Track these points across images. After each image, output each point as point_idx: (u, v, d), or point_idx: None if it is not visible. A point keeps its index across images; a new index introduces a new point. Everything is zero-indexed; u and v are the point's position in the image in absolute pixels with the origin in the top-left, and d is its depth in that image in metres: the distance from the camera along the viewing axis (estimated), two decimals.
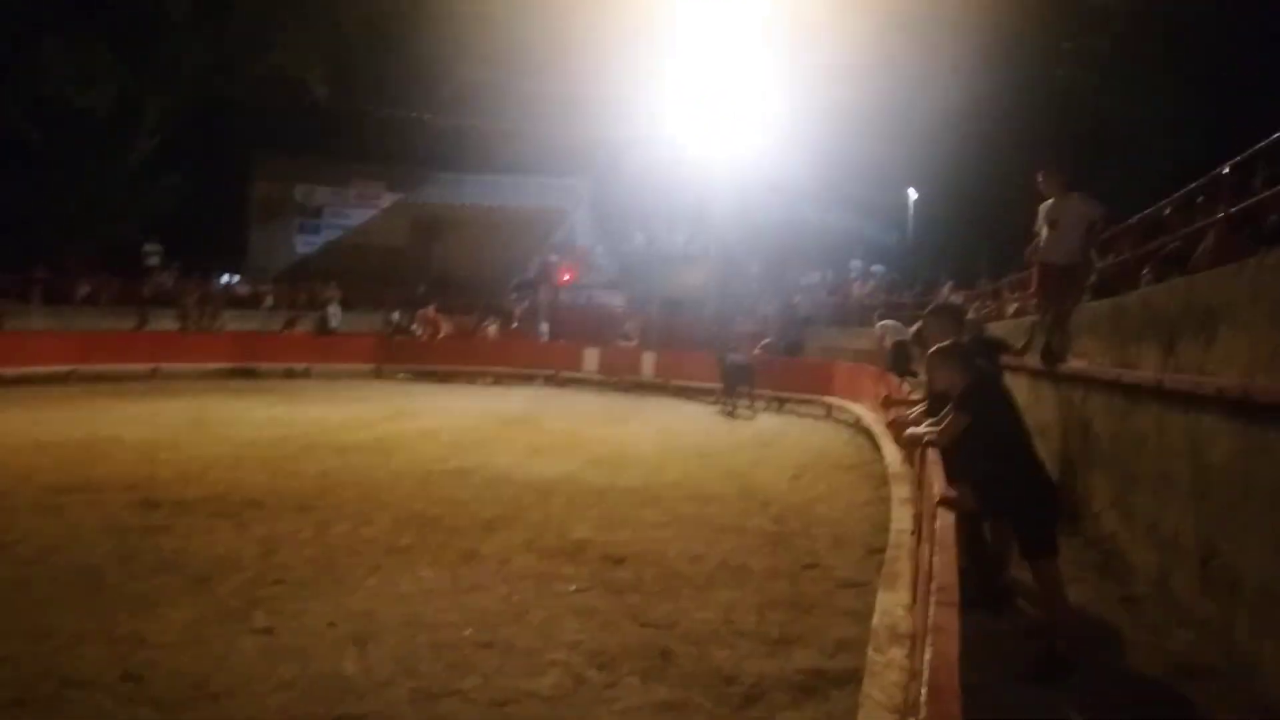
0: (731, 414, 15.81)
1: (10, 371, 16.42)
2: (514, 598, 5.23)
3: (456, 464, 9.64)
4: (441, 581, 5.49)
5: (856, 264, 24.70)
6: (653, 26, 20.67)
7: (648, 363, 20.11)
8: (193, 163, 24.32)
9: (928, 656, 1.48)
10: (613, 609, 5.08)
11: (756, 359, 17.37)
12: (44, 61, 19.59)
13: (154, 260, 22.62)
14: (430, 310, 22.12)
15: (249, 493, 7.82)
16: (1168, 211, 8.22)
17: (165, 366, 18.85)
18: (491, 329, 22.40)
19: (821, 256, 25.83)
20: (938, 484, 2.98)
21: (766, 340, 19.06)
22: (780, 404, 17.09)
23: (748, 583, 5.65)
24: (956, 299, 15.80)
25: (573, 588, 5.43)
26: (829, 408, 15.83)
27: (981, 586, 4.54)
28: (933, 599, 1.79)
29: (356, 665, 4.18)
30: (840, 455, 11.52)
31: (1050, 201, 7.41)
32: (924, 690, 1.33)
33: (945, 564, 2.06)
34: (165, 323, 20.82)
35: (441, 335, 21.88)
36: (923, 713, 1.27)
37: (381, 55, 24.39)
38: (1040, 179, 7.42)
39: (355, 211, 28.00)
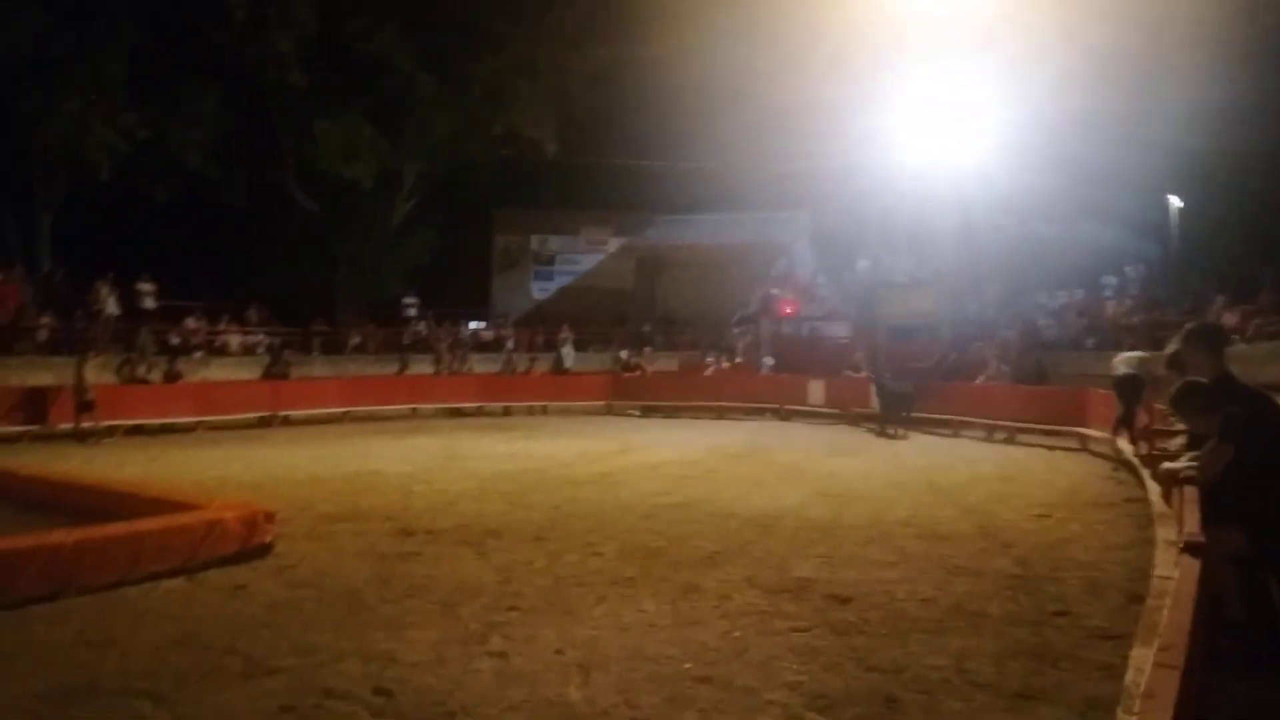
0: (885, 435, 16.20)
1: (297, 414, 18.66)
2: (734, 634, 5.19)
3: (680, 497, 9.77)
4: (663, 614, 5.55)
5: (1110, 280, 22.58)
6: (867, 45, 20.20)
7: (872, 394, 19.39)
8: (443, 220, 26.71)
9: None
10: (836, 650, 4.90)
11: (916, 385, 17.38)
12: (316, 142, 22.38)
13: (412, 311, 24.93)
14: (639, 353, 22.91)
15: (490, 523, 8.34)
16: None
17: (421, 406, 20.65)
18: (714, 364, 22.61)
19: (1068, 275, 23.83)
20: (1189, 525, 2.63)
21: (920, 365, 18.10)
22: (1010, 436, 15.89)
23: (985, 629, 5.26)
24: (1231, 317, 14.02)
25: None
26: (1083, 440, 14.49)
27: (1266, 645, 3.94)
28: (1151, 658, 1.57)
29: (580, 693, 4.30)
30: (1097, 492, 10.49)
31: None
32: None
33: (1176, 619, 1.79)
34: (422, 366, 22.83)
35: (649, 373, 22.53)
36: None
37: (605, 108, 25.64)
38: None
39: (585, 257, 29.44)
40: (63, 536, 6.06)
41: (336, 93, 22.71)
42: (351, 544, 7.52)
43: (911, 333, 22.89)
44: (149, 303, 19.70)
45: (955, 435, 16.75)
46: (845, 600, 5.84)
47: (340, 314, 24.80)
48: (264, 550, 6.98)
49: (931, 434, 17.11)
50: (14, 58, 17.80)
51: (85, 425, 15.16)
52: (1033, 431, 15.86)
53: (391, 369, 22.43)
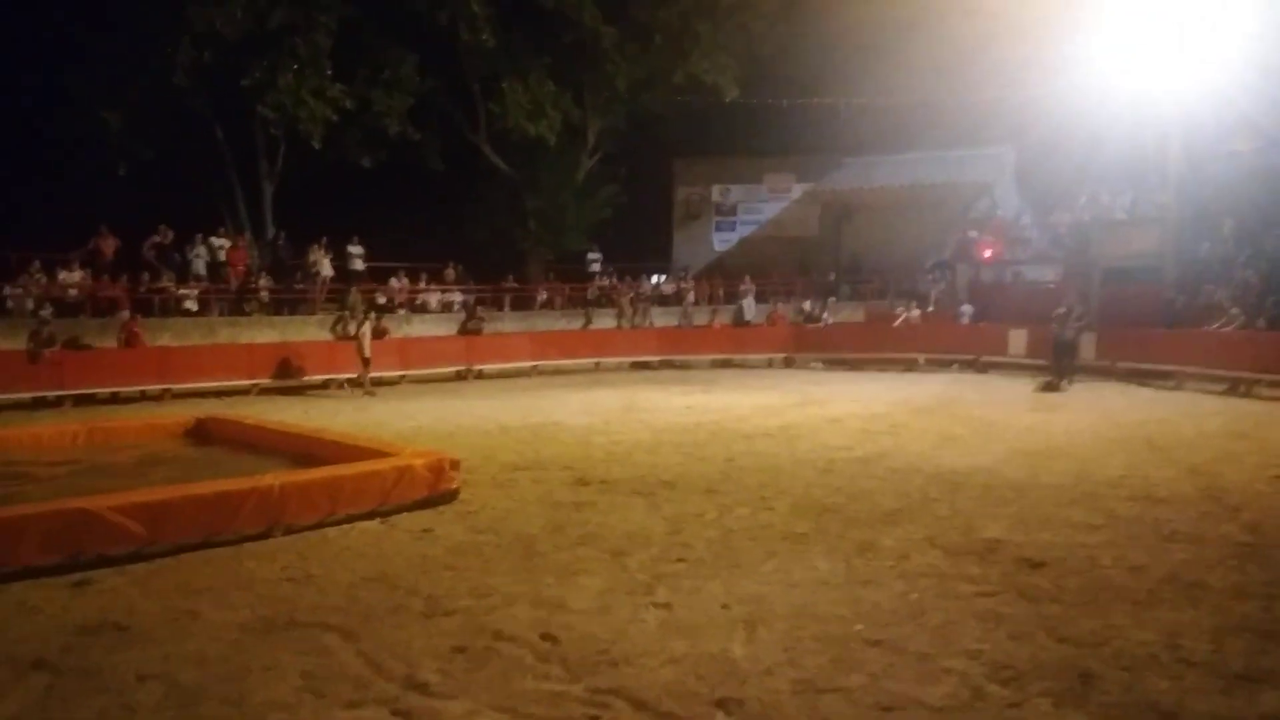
0: (1054, 387, 15.35)
1: (489, 368, 19.55)
2: (911, 596, 4.90)
3: (861, 452, 9.39)
4: (835, 572, 5.33)
5: None
6: None
7: (1087, 342, 17.84)
8: (625, 174, 26.87)
9: None
10: (1025, 618, 4.51)
11: (1079, 332, 16.64)
12: (503, 101, 23.03)
13: (595, 266, 25.38)
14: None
15: (663, 474, 8.36)
16: None
17: (604, 360, 21.08)
18: (905, 314, 21.56)
19: None
20: None
21: (1060, 310, 16.64)
22: (1246, 388, 14.12)
23: (1203, 602, 4.67)
24: None
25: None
26: None
27: None
28: None
29: (744, 649, 4.19)
30: None
31: None
32: None
33: None
34: (605, 320, 23.27)
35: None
36: None
37: (787, 48, 24.72)
38: None
39: (767, 206, 28.73)
40: (272, 480, 6.58)
41: (523, 51, 23.19)
42: (531, 491, 7.75)
43: (1131, 275, 20.79)
44: (358, 264, 21.13)
45: (1178, 388, 15.16)
46: (1038, 565, 5.39)
47: (529, 271, 25.61)
48: (450, 496, 7.30)
49: (1148, 385, 15.58)
50: (236, 34, 19.41)
51: (365, 379, 16.31)
52: (1274, 384, 14.08)
53: (577, 324, 22.99)
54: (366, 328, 16.79)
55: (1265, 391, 13.95)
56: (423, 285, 22.46)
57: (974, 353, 19.50)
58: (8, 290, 16.62)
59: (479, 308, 21.83)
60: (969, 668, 3.92)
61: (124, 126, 20.15)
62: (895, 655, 4.08)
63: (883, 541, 5.95)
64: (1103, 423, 11.39)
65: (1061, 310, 17.00)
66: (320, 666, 4.06)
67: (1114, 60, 19.40)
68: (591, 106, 25.10)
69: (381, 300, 20.78)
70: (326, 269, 20.28)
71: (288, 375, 16.65)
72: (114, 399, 15.07)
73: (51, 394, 14.45)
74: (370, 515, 6.73)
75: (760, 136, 26.67)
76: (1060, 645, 4.15)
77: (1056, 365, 16.06)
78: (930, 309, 22.37)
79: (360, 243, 21.12)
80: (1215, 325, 16.73)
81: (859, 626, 4.44)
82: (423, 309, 21.86)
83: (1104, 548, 5.75)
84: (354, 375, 16.61)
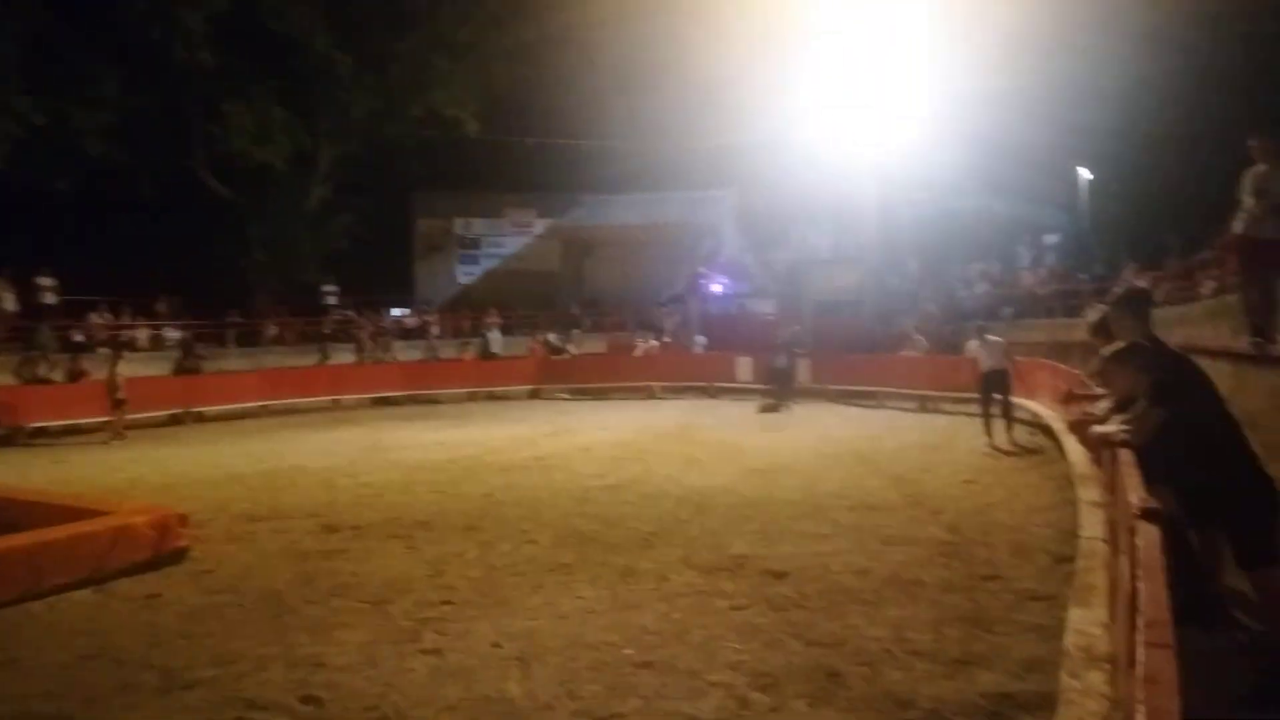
0: (773, 409, 16.74)
1: (211, 409, 17.94)
2: (673, 615, 5.12)
3: (614, 479, 9.68)
4: (601, 600, 5.45)
5: (1024, 252, 23.26)
6: (786, 25, 20.28)
7: (802, 369, 19.63)
8: (362, 204, 25.89)
9: (1139, 718, 1.23)
10: (775, 627, 4.87)
11: (797, 359, 18.43)
12: (226, 123, 21.43)
13: (331, 299, 24.17)
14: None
15: (419, 515, 8.11)
16: None
17: (344, 397, 20.08)
18: (644, 345, 22.55)
19: (984, 248, 24.49)
20: (1134, 492, 2.62)
21: (779, 341, 18.93)
22: (933, 405, 16.30)
23: (921, 597, 5.30)
24: (1141, 282, 14.48)
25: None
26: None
27: (1190, 600, 4.03)
28: (1140, 639, 1.51)
29: (520, 687, 4.17)
30: (1018, 457, 10.79)
31: (1260, 169, 6.67)
32: None
33: (1153, 594, 1.74)
34: (343, 355, 22.19)
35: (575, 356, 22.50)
36: None
37: (527, 86, 25.16)
38: (1253, 144, 6.69)
39: (509, 239, 28.96)
40: None
41: (247, 72, 21.73)
42: (272, 544, 7.21)
43: (837, 308, 23.21)
44: (49, 298, 18.67)
45: (879, 407, 17.05)
46: (781, 575, 5.83)
47: (256, 304, 23.88)
48: (178, 555, 6.64)
49: (854, 405, 17.40)
50: None
51: (117, 420, 15.23)
52: (955, 400, 16.25)
53: (311, 360, 21.74)
54: (120, 366, 15.57)
55: (948, 407, 16.06)
56: (128, 320, 20.23)
57: (707, 380, 20.78)
58: None
59: (198, 344, 20.01)
60: (733, 679, 4.17)
61: None
62: (665, 675, 4.25)
63: (642, 565, 6.18)
64: (821, 441, 12.55)
65: (780, 341, 18.69)
66: None
67: (825, 117, 21.76)
68: (324, 133, 24.02)
69: (79, 338, 18.47)
70: (9, 303, 17.72)
71: None
72: None
73: None
74: (84, 584, 5.95)
75: (501, 172, 26.87)
76: (809, 649, 4.53)
77: (779, 390, 17.47)
78: (666, 340, 23.58)
79: (52, 274, 18.66)
80: (905, 351, 19.09)
81: (629, 651, 4.58)
82: (130, 346, 19.67)
83: (834, 555, 6.34)
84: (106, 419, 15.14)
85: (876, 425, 14.48)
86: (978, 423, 11.95)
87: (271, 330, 22.54)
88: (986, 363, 11.73)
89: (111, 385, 15.29)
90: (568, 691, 4.09)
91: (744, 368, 20.53)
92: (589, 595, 5.55)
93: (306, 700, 4.09)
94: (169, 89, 21.53)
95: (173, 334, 20.49)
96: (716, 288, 25.78)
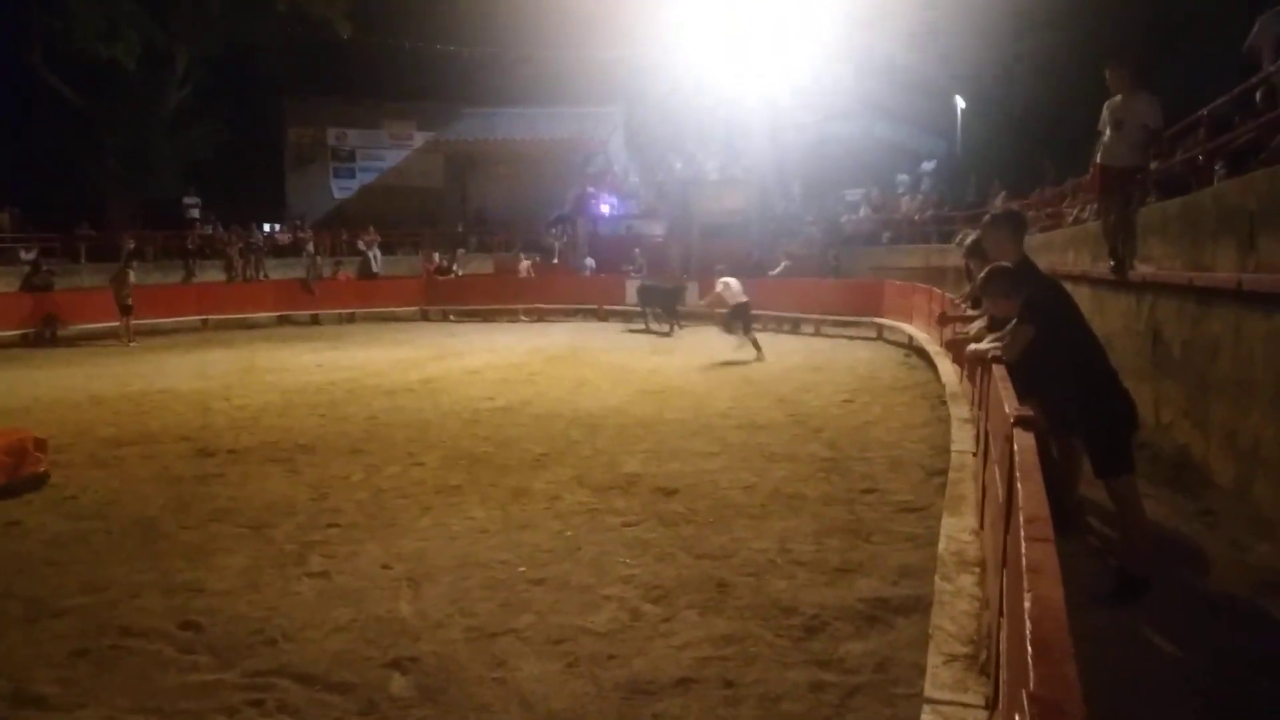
0: (646, 330, 17.26)
1: (67, 331, 16.76)
2: (566, 533, 5.17)
3: (504, 402, 9.61)
4: (493, 520, 5.45)
5: (903, 178, 23.95)
6: None
7: (692, 291, 19.83)
8: (227, 110, 24.23)
9: (1026, 603, 1.30)
10: (666, 541, 4.99)
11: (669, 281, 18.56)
12: (70, 16, 19.48)
13: (194, 213, 22.72)
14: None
15: (300, 438, 7.87)
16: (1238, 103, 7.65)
17: (214, 318, 19.10)
18: (525, 265, 22.26)
19: (866, 173, 25.06)
20: (1009, 403, 2.76)
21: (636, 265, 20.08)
22: (816, 327, 16.83)
23: (803, 511, 5.52)
24: (1012, 207, 15.15)
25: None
26: (879, 329, 15.49)
27: (1051, 506, 4.34)
28: (1023, 533, 1.60)
29: (411, 607, 4.15)
30: (894, 377, 11.26)
31: (1117, 99, 6.92)
32: (1029, 644, 1.15)
33: (1032, 492, 1.85)
34: (212, 274, 21.02)
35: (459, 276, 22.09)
36: (1032, 673, 1.10)
37: None
38: (1108, 73, 6.90)
39: (389, 153, 27.77)
40: None
41: None
42: (142, 469, 6.87)
43: (724, 230, 23.40)
44: None
45: (763, 329, 17.44)
46: (672, 492, 5.96)
47: (110, 217, 22.21)
48: (38, 481, 6.25)
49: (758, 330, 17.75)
50: None
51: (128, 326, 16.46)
52: (834, 323, 16.78)
53: (175, 277, 20.52)
54: (130, 275, 16.73)
55: (829, 330, 16.58)
56: None
57: (597, 302, 20.74)
58: None
59: (47, 260, 18.55)
60: (625, 593, 4.26)
61: None
62: (559, 591, 4.30)
63: (535, 485, 6.19)
64: (709, 363, 12.77)
65: (637, 265, 19.01)
66: None
67: (714, 34, 21.54)
68: (179, 30, 22.16)
69: None
70: None
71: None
72: None
73: None
74: None
75: (379, 80, 25.59)
76: (698, 561, 4.66)
77: (662, 312, 17.52)
78: (554, 261, 23.33)
79: None
80: (772, 273, 19.48)
81: (522, 569, 4.60)
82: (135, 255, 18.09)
83: (722, 472, 6.51)
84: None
85: (764, 348, 14.80)
86: (855, 344, 12.42)
87: (129, 245, 21.02)
88: (736, 298, 13.53)
89: (120, 294, 16.32)
90: (460, 609, 4.09)
91: (634, 290, 20.58)
92: (480, 516, 5.54)
93: (185, 626, 3.96)
94: None
95: (23, 252, 18.85)
96: (605, 208, 25.52)
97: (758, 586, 4.28)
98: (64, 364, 13.51)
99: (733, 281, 13.66)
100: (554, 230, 24.93)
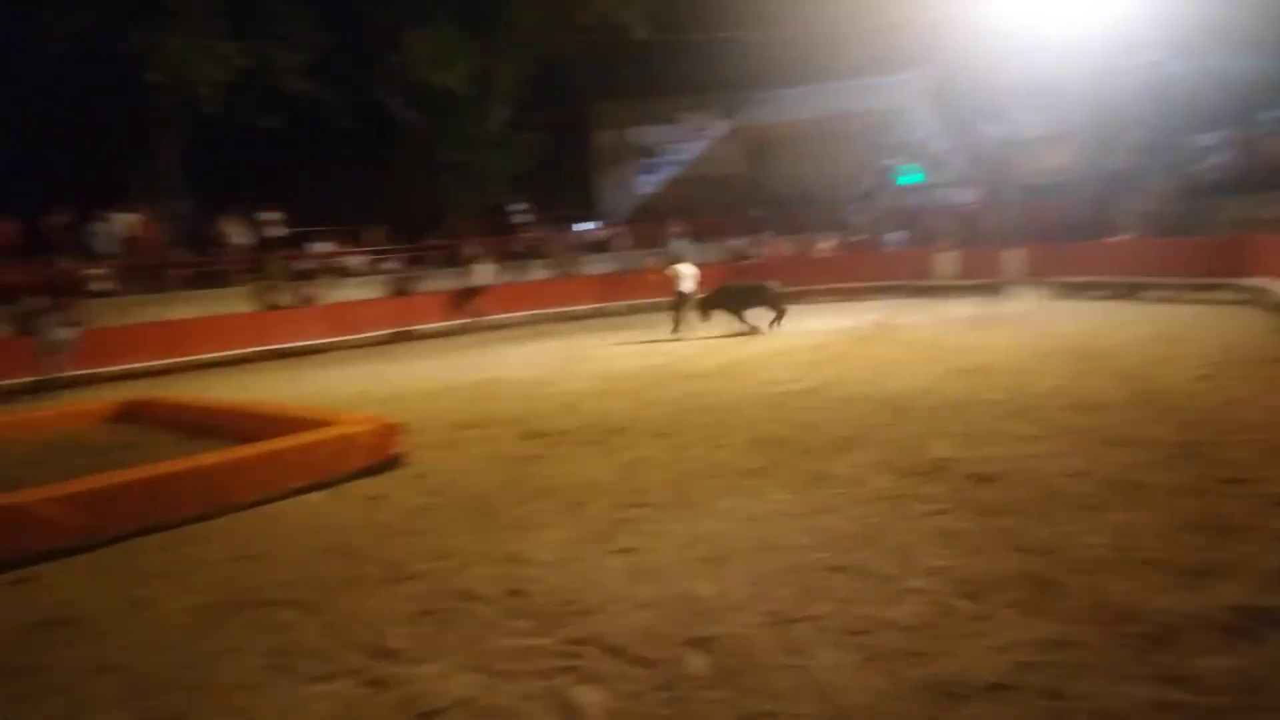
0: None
1: (421, 328, 19.19)
2: (869, 520, 4.95)
3: (806, 384, 9.48)
4: (793, 504, 5.37)
5: (1268, 116, 20.21)
6: None
7: (1010, 261, 18.28)
8: (543, 122, 26.26)
9: None
10: (980, 533, 4.60)
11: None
12: (408, 51, 22.19)
13: (521, 217, 24.94)
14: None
15: (613, 422, 8.31)
16: None
17: (540, 312, 20.87)
18: (827, 245, 21.82)
19: (1219, 114, 21.45)
20: None
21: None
22: (1158, 294, 14.69)
23: (1149, 503, 4.83)
24: None
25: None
26: (1251, 291, 13.23)
27: None
28: None
29: (710, 587, 4.19)
30: (1266, 348, 9.58)
31: None
32: None
33: None
34: (537, 272, 22.96)
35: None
36: None
37: None
38: None
39: (689, 145, 28.51)
40: (211, 459, 6.35)
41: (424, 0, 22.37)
42: (480, 449, 7.63)
43: (1047, 192, 21.31)
44: (275, 231, 20.38)
45: (1106, 298, 15.68)
46: (987, 479, 5.50)
47: (450, 227, 25.02)
48: (397, 461, 7.15)
49: (1078, 298, 16.07)
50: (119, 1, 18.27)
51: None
52: (1185, 287, 14.64)
53: (506, 278, 22.64)
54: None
55: (1186, 296, 14.48)
56: (344, 248, 21.81)
57: (907, 278, 19.84)
58: None
59: (406, 267, 21.35)
60: (933, 585, 3.98)
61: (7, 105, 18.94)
62: (860, 580, 4.13)
63: (837, 469, 6.02)
64: (1036, 337, 11.69)
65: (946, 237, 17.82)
66: (283, 643, 3.93)
67: None
68: (500, 52, 24.37)
69: (304, 266, 20.13)
70: (241, 238, 19.53)
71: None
72: (38, 389, 14.28)
73: None
74: (316, 487, 6.55)
75: (675, 75, 26.27)
76: (1018, 555, 4.24)
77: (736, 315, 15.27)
78: (857, 238, 22.66)
79: (274, 208, 20.33)
80: (1116, 237, 17.30)
81: (822, 555, 4.48)
82: (348, 272, 21.27)
83: (1047, 458, 5.90)
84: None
85: (1102, 318, 13.28)
86: (1220, 310, 10.76)
87: (469, 251, 23.51)
88: (686, 284, 15.04)
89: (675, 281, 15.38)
90: (758, 593, 4.06)
91: (946, 262, 19.43)
92: (780, 499, 5.48)
93: (512, 593, 4.31)
94: (355, 24, 22.52)
95: (383, 259, 21.88)
96: (909, 178, 24.32)
97: (1091, 586, 3.80)
98: (421, 357, 15.43)
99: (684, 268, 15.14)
100: (856, 206, 24.20)
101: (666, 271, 15.32)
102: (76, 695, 3.58)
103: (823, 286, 20.50)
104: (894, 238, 22.04)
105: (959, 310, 15.72)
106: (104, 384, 14.32)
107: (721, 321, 15.15)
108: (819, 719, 3.02)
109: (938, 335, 12.65)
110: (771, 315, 15.02)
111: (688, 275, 15.08)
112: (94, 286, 17.12)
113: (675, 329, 14.96)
